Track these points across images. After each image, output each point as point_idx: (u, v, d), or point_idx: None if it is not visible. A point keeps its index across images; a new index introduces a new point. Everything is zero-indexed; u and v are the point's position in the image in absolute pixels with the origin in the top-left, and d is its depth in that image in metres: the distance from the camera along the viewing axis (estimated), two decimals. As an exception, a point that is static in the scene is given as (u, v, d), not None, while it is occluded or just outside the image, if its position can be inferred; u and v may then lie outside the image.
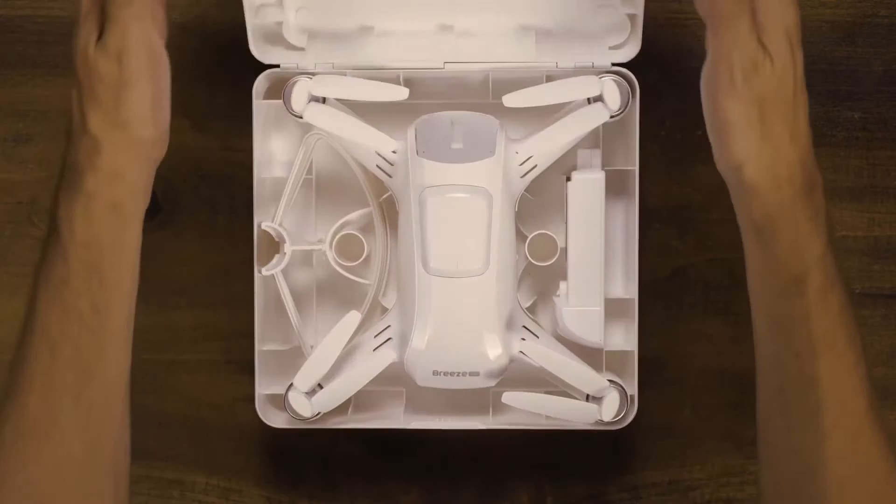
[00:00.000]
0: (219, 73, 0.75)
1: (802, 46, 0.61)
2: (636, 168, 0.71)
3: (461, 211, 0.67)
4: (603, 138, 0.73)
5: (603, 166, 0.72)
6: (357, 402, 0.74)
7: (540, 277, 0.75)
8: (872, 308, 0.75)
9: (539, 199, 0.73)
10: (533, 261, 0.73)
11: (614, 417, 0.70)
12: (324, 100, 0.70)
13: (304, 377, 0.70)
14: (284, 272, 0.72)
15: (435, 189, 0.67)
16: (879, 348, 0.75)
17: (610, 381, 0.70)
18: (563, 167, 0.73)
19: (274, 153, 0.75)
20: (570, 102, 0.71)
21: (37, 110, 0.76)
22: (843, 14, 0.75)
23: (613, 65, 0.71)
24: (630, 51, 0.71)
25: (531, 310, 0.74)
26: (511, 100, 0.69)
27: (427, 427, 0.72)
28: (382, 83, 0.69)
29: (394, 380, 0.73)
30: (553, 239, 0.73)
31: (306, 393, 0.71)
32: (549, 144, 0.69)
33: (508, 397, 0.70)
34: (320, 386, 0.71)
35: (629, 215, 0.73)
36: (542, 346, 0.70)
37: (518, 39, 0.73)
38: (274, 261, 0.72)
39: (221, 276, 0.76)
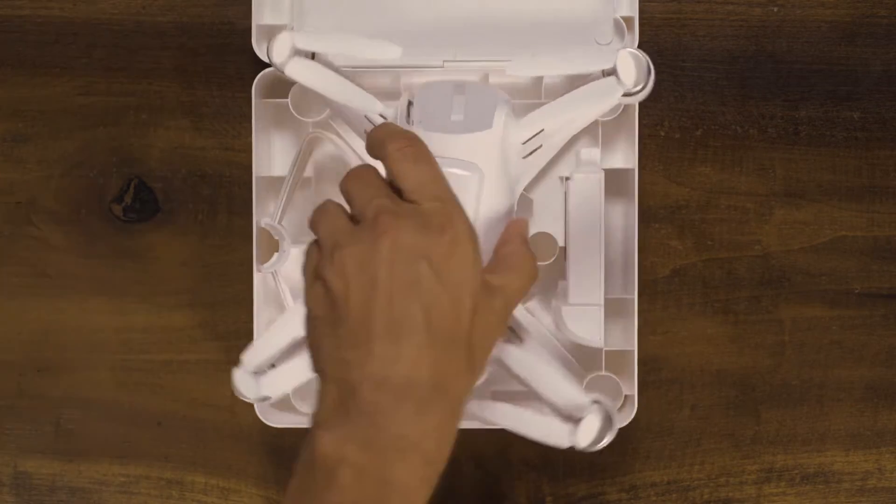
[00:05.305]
0: (218, 73, 0.76)
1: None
2: (635, 167, 0.71)
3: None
4: (602, 137, 0.73)
5: (602, 165, 0.72)
6: (356, 401, 0.74)
7: (539, 277, 0.74)
8: (872, 308, 0.75)
9: (538, 199, 0.73)
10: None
11: (590, 444, 0.61)
12: (313, 56, 0.65)
13: (254, 355, 0.65)
14: (283, 271, 0.72)
15: None
16: (879, 348, 0.75)
17: (595, 401, 0.62)
18: (562, 167, 0.73)
19: (273, 152, 0.75)
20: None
21: (37, 110, 0.76)
22: (842, 14, 0.75)
23: (612, 64, 0.72)
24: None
25: (530, 309, 0.74)
26: (516, 67, 0.64)
27: (426, 426, 0.72)
28: (375, 40, 0.64)
29: (393, 379, 0.73)
30: (552, 238, 0.73)
31: (254, 372, 0.65)
32: (555, 120, 0.64)
33: (475, 406, 0.64)
34: (274, 367, 0.65)
35: (628, 215, 0.73)
36: (522, 352, 0.63)
37: (516, 39, 0.73)
38: (273, 259, 0.72)
39: (221, 276, 0.76)
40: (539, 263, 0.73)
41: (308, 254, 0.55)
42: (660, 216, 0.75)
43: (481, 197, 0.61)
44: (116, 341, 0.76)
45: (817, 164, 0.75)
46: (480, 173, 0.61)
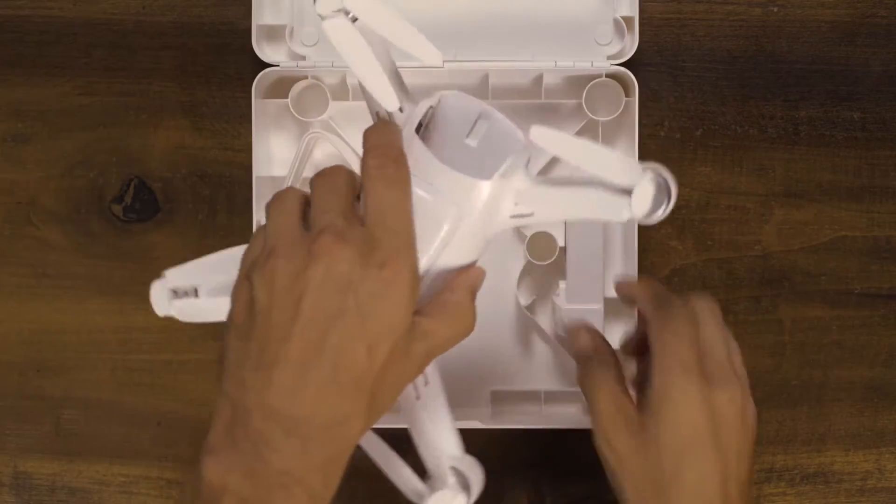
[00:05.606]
0: (218, 73, 0.76)
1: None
2: (635, 167, 0.71)
3: (422, 213, 0.53)
4: (602, 138, 0.73)
5: (602, 166, 0.72)
6: (356, 401, 0.74)
7: (539, 277, 0.75)
8: (872, 308, 0.75)
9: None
10: (532, 260, 0.73)
11: None
12: (355, 20, 0.56)
13: (179, 275, 0.60)
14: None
15: (413, 176, 0.54)
16: (879, 348, 0.75)
17: (457, 472, 0.61)
18: (562, 167, 0.73)
19: (273, 152, 0.75)
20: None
21: (37, 110, 0.76)
22: (842, 14, 0.75)
23: (612, 65, 0.72)
24: (627, 50, 0.72)
25: (530, 309, 0.74)
26: (539, 135, 0.53)
27: (426, 426, 0.72)
28: (421, 37, 0.56)
29: (393, 379, 0.73)
30: (552, 238, 0.73)
31: (173, 291, 0.60)
32: (553, 207, 0.56)
33: (365, 441, 0.61)
34: (196, 293, 0.61)
35: (628, 215, 0.73)
36: (417, 399, 0.60)
37: (516, 39, 0.73)
38: (273, 259, 0.72)
39: (221, 276, 0.76)
40: (539, 263, 0.73)
41: (253, 240, 0.53)
42: (660, 216, 0.75)
43: (449, 242, 0.54)
44: (116, 341, 0.76)
45: (817, 164, 0.75)
46: (459, 218, 0.54)
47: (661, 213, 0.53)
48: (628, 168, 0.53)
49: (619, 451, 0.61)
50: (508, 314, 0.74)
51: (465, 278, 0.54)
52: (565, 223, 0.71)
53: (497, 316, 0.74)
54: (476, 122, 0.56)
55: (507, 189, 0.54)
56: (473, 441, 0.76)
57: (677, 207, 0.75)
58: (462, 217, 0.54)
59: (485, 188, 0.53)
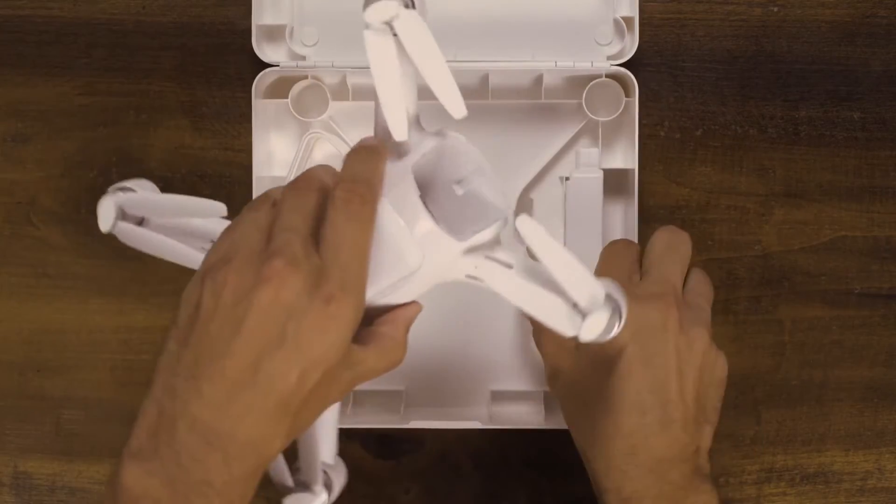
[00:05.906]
0: (218, 73, 0.76)
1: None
2: (636, 167, 0.71)
3: (387, 245, 0.53)
4: (602, 138, 0.73)
5: (602, 166, 0.72)
6: (356, 400, 0.74)
7: (539, 277, 0.75)
8: (872, 308, 0.75)
9: (538, 199, 0.73)
10: (532, 260, 0.73)
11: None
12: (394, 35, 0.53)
13: (139, 202, 0.61)
14: (283, 271, 0.72)
15: (393, 205, 0.54)
16: (879, 348, 0.75)
17: (327, 485, 0.62)
18: (562, 167, 0.73)
19: (273, 152, 0.75)
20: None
21: (36, 110, 0.76)
22: (842, 14, 0.75)
23: (612, 65, 0.72)
24: (627, 50, 0.72)
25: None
26: (523, 226, 0.52)
27: (426, 426, 0.72)
28: (456, 87, 0.53)
29: (393, 379, 0.74)
30: (552, 238, 0.73)
31: (123, 212, 0.60)
32: (507, 288, 0.54)
33: (272, 465, 0.61)
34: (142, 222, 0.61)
35: (628, 215, 0.73)
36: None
37: (516, 38, 0.73)
38: (273, 259, 0.72)
39: (221, 276, 0.76)
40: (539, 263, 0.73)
41: (219, 239, 0.53)
42: (660, 216, 0.75)
43: (398, 287, 0.54)
44: (116, 341, 0.76)
45: (817, 164, 0.75)
46: (418, 268, 0.54)
47: (610, 335, 0.53)
48: (591, 294, 0.52)
49: (557, 388, 0.65)
50: (508, 314, 0.74)
51: (404, 313, 0.55)
52: (565, 223, 0.71)
53: (497, 316, 0.74)
54: (470, 174, 0.56)
55: (475, 255, 0.54)
56: (473, 441, 0.76)
57: (677, 207, 0.75)
58: (422, 271, 0.53)
59: (455, 248, 0.53)
